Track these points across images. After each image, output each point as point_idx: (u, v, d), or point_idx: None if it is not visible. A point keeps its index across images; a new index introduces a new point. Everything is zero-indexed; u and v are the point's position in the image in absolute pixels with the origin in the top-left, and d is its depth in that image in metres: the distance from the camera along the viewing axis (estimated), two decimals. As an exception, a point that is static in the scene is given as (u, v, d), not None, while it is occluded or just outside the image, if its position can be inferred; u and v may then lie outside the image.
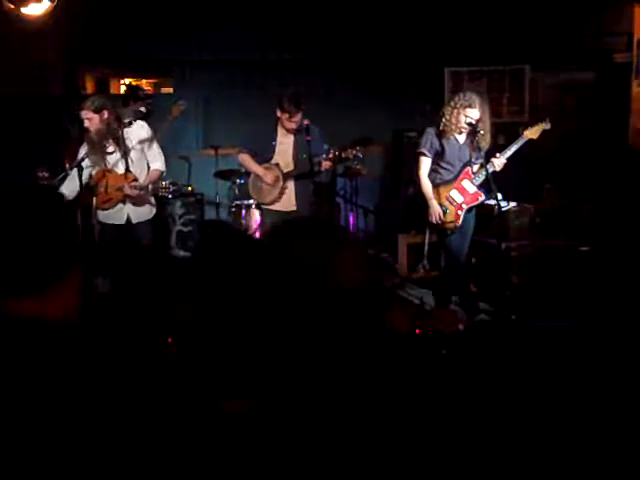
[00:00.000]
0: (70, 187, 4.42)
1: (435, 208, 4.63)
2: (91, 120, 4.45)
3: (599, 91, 6.94)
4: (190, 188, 6.60)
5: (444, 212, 4.65)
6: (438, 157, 4.67)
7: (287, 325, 0.94)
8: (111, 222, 4.67)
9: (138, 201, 4.65)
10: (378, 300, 0.99)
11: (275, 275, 0.97)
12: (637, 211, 5.34)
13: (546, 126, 4.73)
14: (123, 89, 8.47)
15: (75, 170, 4.35)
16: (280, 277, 0.96)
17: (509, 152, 4.63)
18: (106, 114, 4.48)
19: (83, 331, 1.15)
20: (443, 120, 4.57)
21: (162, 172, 4.74)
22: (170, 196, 4.81)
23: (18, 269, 1.14)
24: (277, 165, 5.00)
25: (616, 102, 6.59)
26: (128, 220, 4.67)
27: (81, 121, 4.51)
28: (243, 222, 6.15)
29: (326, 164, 4.94)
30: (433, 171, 4.71)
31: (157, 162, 4.72)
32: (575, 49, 6.77)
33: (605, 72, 6.88)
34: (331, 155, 4.93)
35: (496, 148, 4.78)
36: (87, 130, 4.50)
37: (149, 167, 4.71)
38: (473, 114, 4.48)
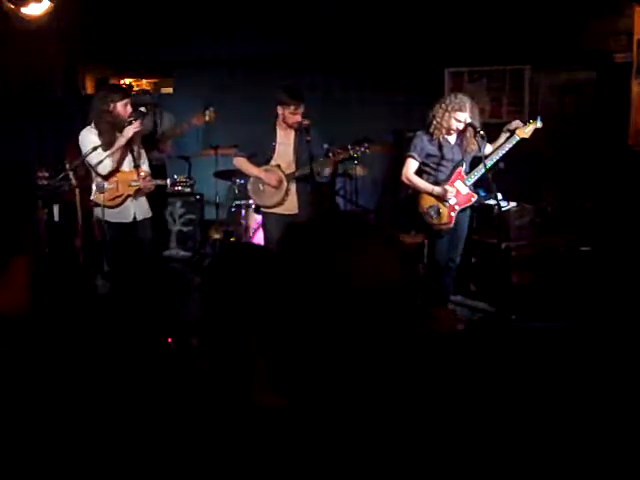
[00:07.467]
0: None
1: (441, 190, 4.55)
2: (126, 107, 4.53)
3: (599, 91, 6.94)
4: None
5: (437, 213, 4.61)
6: (430, 159, 4.62)
7: (321, 325, 0.94)
8: (117, 221, 4.65)
9: (142, 197, 4.69)
10: (411, 295, 1.00)
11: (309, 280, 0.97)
12: (637, 211, 5.33)
13: (538, 125, 4.66)
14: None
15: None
16: (313, 282, 0.97)
17: (502, 152, 4.58)
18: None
19: (22, 326, 1.15)
20: (434, 122, 4.52)
21: (149, 173, 4.76)
22: (188, 189, 4.82)
23: None
24: (278, 167, 4.92)
25: (616, 102, 6.59)
26: (134, 218, 4.69)
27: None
28: (243, 222, 6.14)
29: (343, 153, 4.85)
30: (425, 173, 4.66)
31: (145, 164, 4.77)
32: (575, 49, 6.76)
33: (605, 72, 6.87)
34: (341, 150, 4.86)
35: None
36: (118, 117, 4.49)
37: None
38: (463, 117, 4.45)
